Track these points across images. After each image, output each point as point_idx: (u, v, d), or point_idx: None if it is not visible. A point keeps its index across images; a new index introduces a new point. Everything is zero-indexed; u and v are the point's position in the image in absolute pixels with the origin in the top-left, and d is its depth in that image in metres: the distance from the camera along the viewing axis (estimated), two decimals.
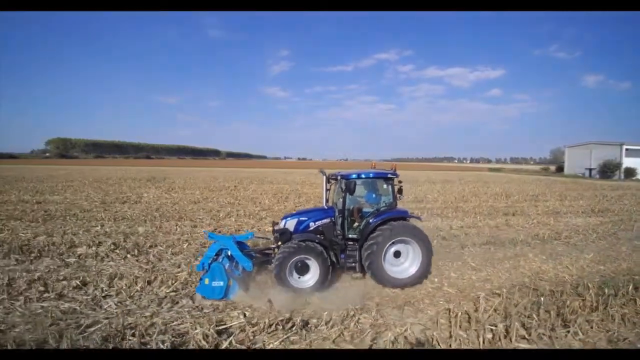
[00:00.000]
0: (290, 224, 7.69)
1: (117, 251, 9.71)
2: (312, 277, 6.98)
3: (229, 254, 7.14)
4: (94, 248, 9.95)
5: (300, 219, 7.77)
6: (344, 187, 7.56)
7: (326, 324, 5.50)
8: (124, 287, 7.03)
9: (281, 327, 5.35)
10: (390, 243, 7.23)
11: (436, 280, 7.99)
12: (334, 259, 7.33)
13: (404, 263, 7.55)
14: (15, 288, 6.94)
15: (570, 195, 26.75)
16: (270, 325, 5.33)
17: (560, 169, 67.70)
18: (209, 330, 5.06)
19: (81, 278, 7.51)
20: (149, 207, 17.84)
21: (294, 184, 33.56)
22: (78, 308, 6.19)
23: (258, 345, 4.91)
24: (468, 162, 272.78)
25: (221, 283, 6.44)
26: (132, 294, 6.81)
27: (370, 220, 7.50)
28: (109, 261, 9.00)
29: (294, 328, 5.37)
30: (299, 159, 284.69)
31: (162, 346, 4.71)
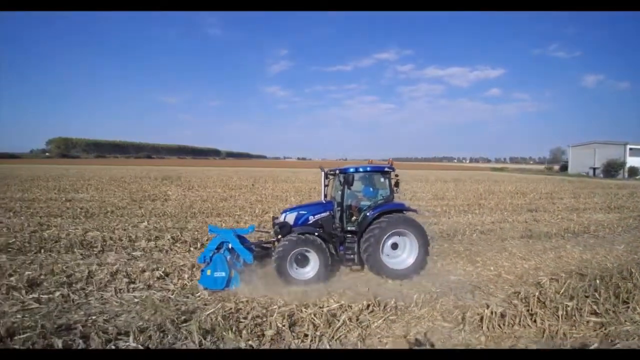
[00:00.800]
0: (290, 218, 7.83)
1: (178, 245, 10.18)
2: (311, 269, 7.15)
3: (230, 247, 7.27)
4: (153, 242, 10.40)
5: (300, 212, 7.90)
6: (342, 180, 7.83)
7: (416, 305, 6.01)
8: None
9: (378, 308, 5.84)
10: (387, 235, 7.38)
11: (492, 268, 8.56)
12: (333, 251, 7.53)
13: (402, 255, 7.72)
14: (98, 280, 7.23)
15: (583, 193, 27.42)
16: (367, 307, 5.83)
17: (563, 168, 68.67)
18: (319, 310, 5.58)
19: (163, 269, 7.94)
20: (181, 204, 18.28)
21: (310, 182, 34.05)
22: (172, 297, 6.55)
23: (364, 324, 5.41)
24: (467, 161, 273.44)
25: (223, 274, 6.63)
26: None
27: (368, 214, 7.68)
28: (175, 254, 9.46)
29: (387, 308, 5.88)
30: (298, 158, 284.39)
31: (279, 324, 5.16)
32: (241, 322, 5.38)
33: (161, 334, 4.95)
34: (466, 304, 6.26)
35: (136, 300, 6.43)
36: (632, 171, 54.19)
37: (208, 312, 5.60)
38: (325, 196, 8.57)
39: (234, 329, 5.07)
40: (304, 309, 5.71)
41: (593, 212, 18.27)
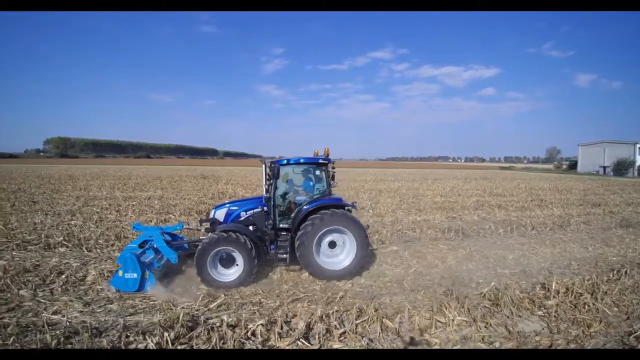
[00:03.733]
0: (220, 214, 7.42)
1: None
2: (236, 270, 6.62)
3: (155, 245, 6.92)
4: None
5: (231, 208, 7.46)
6: (270, 172, 7.27)
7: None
8: None
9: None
10: (322, 232, 6.84)
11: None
12: (263, 250, 7.03)
13: (340, 255, 7.13)
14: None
15: (617, 189, 28.56)
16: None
17: (572, 167, 70.62)
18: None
19: None
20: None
21: (352, 181, 34.36)
22: None
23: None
24: (462, 161, 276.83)
25: (134, 275, 6.09)
26: None
27: (302, 209, 7.15)
28: None
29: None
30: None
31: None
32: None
33: None
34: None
35: None
36: None
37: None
38: (267, 191, 7.61)
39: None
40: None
41: None
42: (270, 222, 7.22)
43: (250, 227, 7.22)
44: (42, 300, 5.80)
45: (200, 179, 33.43)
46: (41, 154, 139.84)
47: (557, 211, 16.37)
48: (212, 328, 4.79)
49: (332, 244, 7.08)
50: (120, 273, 6.13)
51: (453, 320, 5.19)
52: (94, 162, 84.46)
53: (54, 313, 5.33)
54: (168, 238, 7.26)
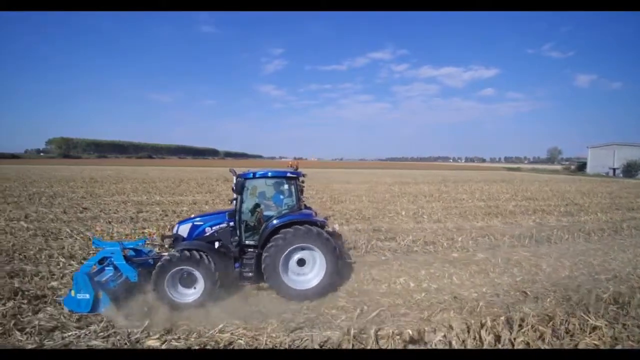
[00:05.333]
0: (184, 230, 7.07)
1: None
2: (196, 290, 6.26)
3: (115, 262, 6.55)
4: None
5: (195, 223, 7.11)
6: (236, 186, 6.82)
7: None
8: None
9: None
10: (289, 250, 6.56)
11: None
12: (227, 268, 6.66)
13: (309, 273, 6.83)
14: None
15: (638, 192, 29.15)
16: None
17: (580, 168, 71.49)
18: None
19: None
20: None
21: (373, 183, 34.73)
22: None
23: None
24: (463, 161, 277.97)
25: (87, 295, 5.72)
26: None
27: (269, 225, 6.83)
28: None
29: None
30: (295, 158, 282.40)
31: None
32: None
33: None
34: None
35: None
36: None
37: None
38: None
39: None
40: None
41: None
42: (236, 238, 6.92)
43: (217, 244, 6.86)
44: None
45: (223, 181, 33.68)
46: (41, 154, 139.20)
47: (602, 216, 16.77)
48: None
49: (302, 262, 6.78)
50: (73, 293, 5.77)
51: (594, 323, 5.46)
52: (100, 163, 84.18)
53: None
54: (133, 254, 6.97)
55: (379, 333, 5.20)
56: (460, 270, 8.35)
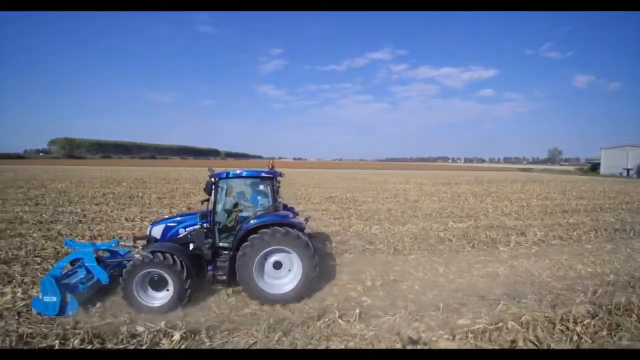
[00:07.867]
0: (157, 231, 6.91)
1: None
2: (167, 294, 6.08)
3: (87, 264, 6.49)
4: None
5: (169, 225, 6.94)
6: (208, 186, 6.57)
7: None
8: None
9: None
10: (264, 253, 6.32)
11: None
12: (199, 271, 6.51)
13: (285, 277, 6.56)
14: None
15: None
16: None
17: (592, 169, 72.75)
18: None
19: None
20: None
21: (415, 184, 34.54)
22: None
23: None
24: (462, 161, 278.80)
25: (54, 298, 5.69)
26: None
27: (242, 227, 6.59)
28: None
29: None
30: (294, 158, 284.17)
31: None
32: None
33: None
34: None
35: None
36: None
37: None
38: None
39: None
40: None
41: None
42: (210, 240, 6.70)
43: (191, 245, 6.77)
44: None
45: None
46: (41, 154, 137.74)
47: None
48: None
49: (278, 265, 6.51)
50: (41, 296, 5.77)
51: None
52: (107, 164, 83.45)
53: None
54: (107, 255, 6.93)
55: None
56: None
